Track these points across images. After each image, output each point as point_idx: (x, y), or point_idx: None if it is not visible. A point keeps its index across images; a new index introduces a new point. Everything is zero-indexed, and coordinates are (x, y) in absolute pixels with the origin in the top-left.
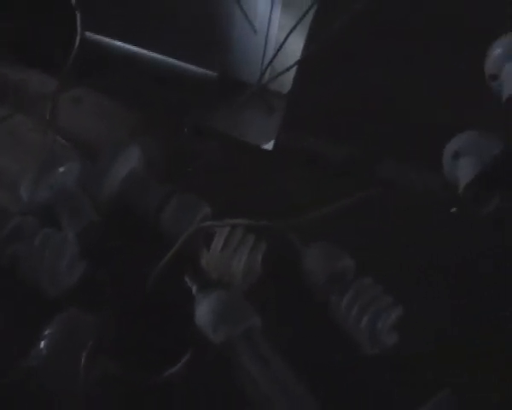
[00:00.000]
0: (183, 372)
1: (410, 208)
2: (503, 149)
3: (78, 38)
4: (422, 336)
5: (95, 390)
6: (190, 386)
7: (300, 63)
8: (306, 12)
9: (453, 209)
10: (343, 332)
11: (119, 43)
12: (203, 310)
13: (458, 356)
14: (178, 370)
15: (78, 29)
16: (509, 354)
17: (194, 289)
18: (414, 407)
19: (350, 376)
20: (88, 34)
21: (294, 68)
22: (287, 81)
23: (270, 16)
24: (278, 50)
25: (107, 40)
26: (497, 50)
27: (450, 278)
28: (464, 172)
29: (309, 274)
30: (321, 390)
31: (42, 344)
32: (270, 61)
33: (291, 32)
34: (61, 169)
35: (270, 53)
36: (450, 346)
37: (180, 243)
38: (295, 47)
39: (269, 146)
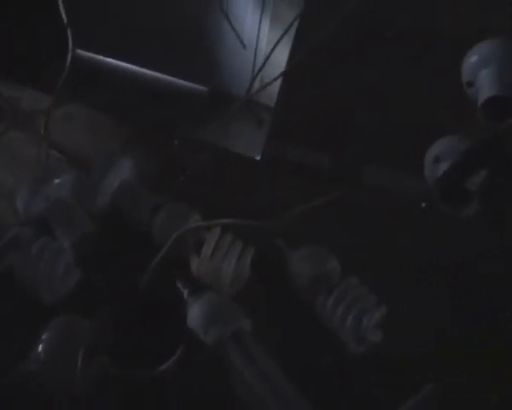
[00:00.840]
0: (175, 369)
1: (396, 211)
2: (467, 147)
3: (69, 55)
4: (419, 336)
5: (92, 389)
6: (183, 382)
7: (285, 75)
8: (290, 25)
9: (423, 204)
10: (330, 333)
11: (109, 60)
12: (194, 313)
13: (456, 356)
14: (171, 366)
15: (70, 46)
16: (508, 355)
17: (185, 293)
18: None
19: (338, 376)
20: (79, 51)
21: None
22: (275, 94)
23: (258, 31)
24: (265, 62)
25: (97, 57)
26: (472, 58)
27: (447, 278)
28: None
29: (295, 276)
30: (310, 390)
31: (40, 348)
32: (258, 72)
33: (276, 44)
34: (56, 181)
35: (259, 67)
36: (448, 346)
37: (170, 243)
38: (283, 60)
39: (258, 157)
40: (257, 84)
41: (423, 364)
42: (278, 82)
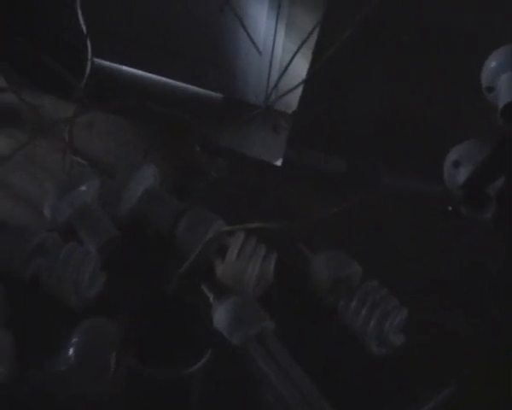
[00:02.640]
0: (203, 371)
1: (414, 216)
2: (488, 153)
3: (88, 64)
4: (436, 339)
5: (121, 389)
6: (209, 383)
7: (306, 83)
8: (310, 34)
9: (449, 207)
10: (350, 335)
11: (126, 68)
12: (220, 316)
13: (473, 360)
14: (199, 368)
15: (89, 56)
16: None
17: (211, 297)
18: (421, 403)
19: (357, 376)
20: (97, 60)
21: (299, 88)
22: (292, 101)
23: (274, 38)
24: (284, 70)
25: (116, 66)
26: (492, 63)
27: (464, 281)
28: (464, 178)
29: (317, 280)
30: (330, 390)
31: (70, 351)
32: (276, 83)
33: (295, 54)
34: (82, 188)
35: (274, 74)
36: (464, 349)
37: (199, 249)
38: (299, 68)
39: (278, 163)
40: (273, 93)
41: (442, 367)
42: (294, 90)
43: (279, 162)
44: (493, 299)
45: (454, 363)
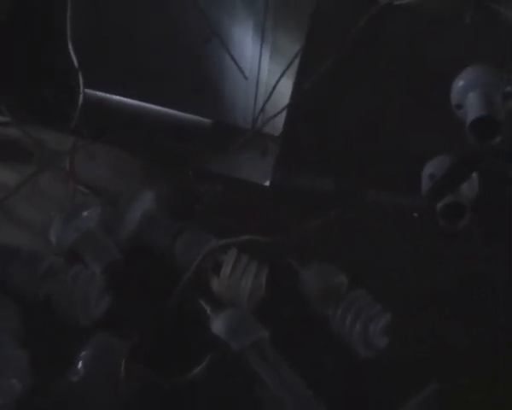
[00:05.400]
0: (203, 375)
1: (396, 227)
2: (448, 166)
3: (81, 96)
4: (420, 341)
5: (132, 395)
6: (210, 386)
7: (290, 106)
8: (294, 58)
9: (415, 215)
10: (339, 341)
11: (117, 98)
12: (217, 327)
13: (456, 359)
14: (200, 372)
15: (81, 88)
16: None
17: (208, 309)
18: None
19: (345, 379)
20: (88, 91)
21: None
22: (279, 123)
23: (259, 63)
24: (270, 95)
25: (106, 96)
26: (460, 83)
27: (447, 287)
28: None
29: (307, 291)
30: (321, 392)
31: (80, 364)
32: (262, 107)
33: (280, 77)
34: (85, 214)
35: (261, 98)
36: (449, 350)
37: (196, 262)
38: (285, 91)
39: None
40: (260, 116)
41: (425, 367)
42: (281, 112)
43: (267, 184)
44: (494, 309)
45: (452, 373)
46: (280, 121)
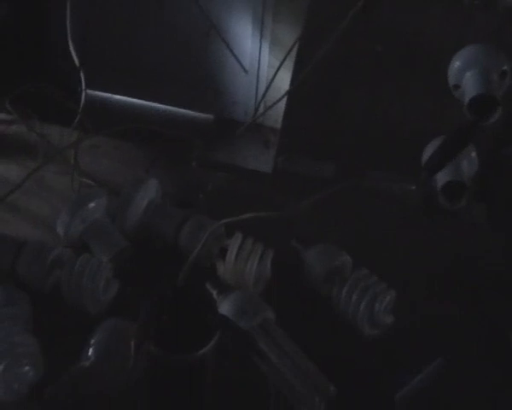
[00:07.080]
0: (212, 353)
1: (396, 210)
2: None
3: (83, 96)
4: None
5: (141, 375)
6: (219, 365)
7: (289, 94)
8: (290, 50)
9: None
10: (344, 321)
11: (119, 97)
12: (224, 309)
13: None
14: (208, 351)
15: (83, 87)
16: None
17: (214, 293)
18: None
19: (350, 356)
20: (90, 91)
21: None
22: (280, 116)
23: (259, 56)
24: (269, 86)
25: (108, 95)
26: (456, 63)
27: (444, 267)
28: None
29: (311, 272)
30: (326, 369)
31: (90, 350)
32: (263, 96)
33: (278, 68)
34: (91, 205)
35: (261, 90)
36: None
37: (203, 240)
38: (285, 82)
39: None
40: (261, 107)
41: (429, 343)
42: (282, 105)
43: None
44: (488, 292)
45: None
46: (281, 114)
